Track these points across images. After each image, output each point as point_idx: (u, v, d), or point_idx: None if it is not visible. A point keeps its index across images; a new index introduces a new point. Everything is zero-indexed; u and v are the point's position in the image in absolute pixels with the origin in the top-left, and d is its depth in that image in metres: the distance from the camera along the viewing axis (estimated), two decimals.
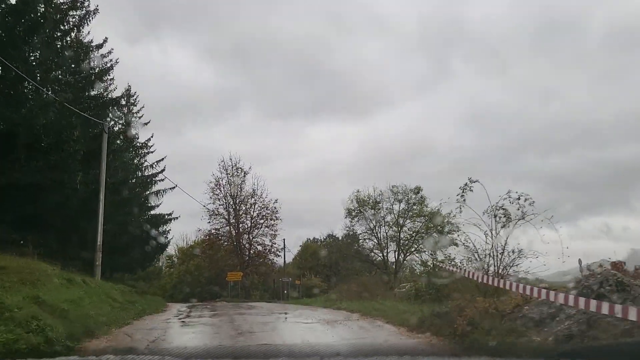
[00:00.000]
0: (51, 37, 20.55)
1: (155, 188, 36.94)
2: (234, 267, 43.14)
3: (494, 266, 12.96)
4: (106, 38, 23.05)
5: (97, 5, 21.80)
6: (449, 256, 14.14)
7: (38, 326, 7.12)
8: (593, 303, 7.09)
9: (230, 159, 45.11)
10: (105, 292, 11.92)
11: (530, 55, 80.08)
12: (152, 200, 37.02)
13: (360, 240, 46.61)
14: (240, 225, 45.04)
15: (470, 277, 11.64)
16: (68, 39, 21.50)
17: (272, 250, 45.51)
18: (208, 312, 13.96)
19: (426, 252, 45.23)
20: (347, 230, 46.88)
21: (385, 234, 44.35)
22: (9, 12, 18.45)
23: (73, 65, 20.79)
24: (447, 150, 69.26)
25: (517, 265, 13.03)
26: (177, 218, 37.79)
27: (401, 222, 44.61)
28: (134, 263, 34.93)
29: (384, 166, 74.17)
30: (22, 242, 19.78)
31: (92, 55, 22.92)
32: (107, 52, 23.41)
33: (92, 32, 23.21)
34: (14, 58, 17.32)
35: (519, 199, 12.84)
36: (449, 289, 12.95)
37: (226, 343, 8.08)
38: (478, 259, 13.28)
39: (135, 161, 35.90)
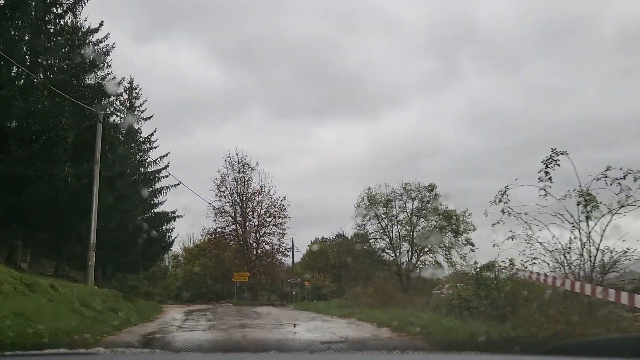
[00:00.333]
0: (42, 20, 19.11)
1: (159, 185, 35.71)
2: (240, 267, 41.57)
3: (584, 270, 9.93)
4: (102, 22, 21.65)
5: None
6: (511, 260, 10.42)
7: None
8: None
9: (237, 154, 43.57)
10: (81, 298, 9.91)
11: (539, 54, 77.96)
12: (156, 198, 35.76)
13: (372, 240, 45.04)
14: (247, 223, 43.43)
15: (564, 286, 9.12)
16: (62, 22, 20.04)
17: (280, 249, 43.81)
18: (204, 323, 12.07)
19: (441, 253, 43.78)
20: (358, 229, 45.35)
21: (397, 233, 42.61)
22: None
23: (66, 49, 19.27)
24: (454, 150, 67.48)
25: (618, 269, 9.90)
26: (181, 216, 36.42)
27: (414, 220, 42.96)
28: (135, 262, 33.50)
29: (391, 166, 72.95)
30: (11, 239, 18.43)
31: (87, 40, 21.49)
32: (104, 37, 22.00)
33: (90, 18, 21.89)
34: None
35: (624, 177, 9.60)
36: (523, 300, 9.69)
37: None
38: (564, 261, 10.11)
39: (137, 157, 34.62)
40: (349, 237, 48.30)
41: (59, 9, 20.11)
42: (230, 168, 43.12)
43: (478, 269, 10.66)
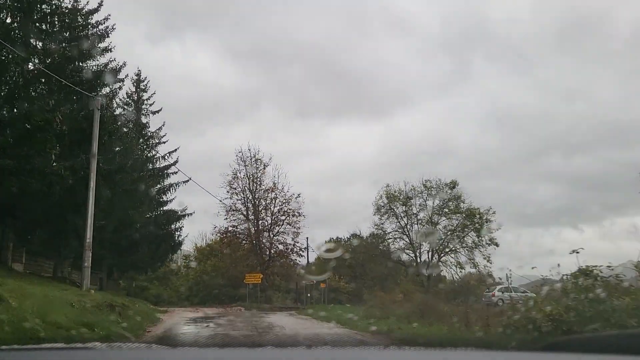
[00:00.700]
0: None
1: (167, 182, 34.04)
2: (253, 267, 39.71)
3: None
4: (101, 1, 19.87)
5: None
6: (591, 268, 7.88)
7: None
8: None
9: (249, 149, 41.70)
10: (42, 311, 7.56)
11: (555, 54, 75.44)
12: (164, 195, 34.12)
13: (390, 240, 43.00)
14: (260, 222, 41.50)
15: None
16: (55, 1, 18.36)
17: (295, 249, 41.77)
18: (204, 338, 9.95)
19: (461, 252, 41.53)
20: (376, 228, 43.33)
21: (418, 232, 40.45)
22: None
23: (56, 28, 17.57)
24: (469, 151, 65.75)
25: None
26: (191, 214, 34.59)
27: (435, 219, 40.79)
28: (142, 263, 31.82)
29: (405, 166, 71.70)
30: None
31: (86, 23, 19.81)
32: (103, 19, 20.26)
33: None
34: None
35: None
36: None
37: None
38: None
39: (145, 152, 33.03)
40: (365, 237, 46.46)
41: None
42: (242, 164, 41.36)
43: (569, 275, 8.19)
